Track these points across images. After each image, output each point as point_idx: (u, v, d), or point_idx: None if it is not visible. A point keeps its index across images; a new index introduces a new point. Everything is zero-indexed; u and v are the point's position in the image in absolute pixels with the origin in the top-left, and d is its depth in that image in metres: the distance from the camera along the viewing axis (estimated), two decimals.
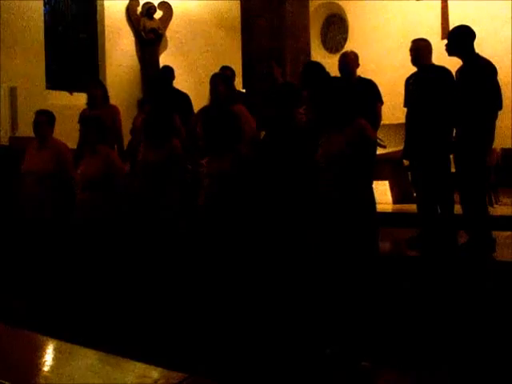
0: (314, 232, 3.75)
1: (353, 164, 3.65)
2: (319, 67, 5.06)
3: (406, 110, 4.99)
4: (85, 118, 5.37)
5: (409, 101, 4.92)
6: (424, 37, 5.03)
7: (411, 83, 4.92)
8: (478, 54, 4.53)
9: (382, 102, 5.55)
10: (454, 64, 4.65)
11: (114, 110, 6.02)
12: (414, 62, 4.88)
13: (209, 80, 5.58)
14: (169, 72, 6.59)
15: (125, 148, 6.06)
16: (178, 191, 4.70)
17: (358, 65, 5.63)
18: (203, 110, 5.52)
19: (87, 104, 6.04)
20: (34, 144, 5.32)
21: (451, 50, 4.59)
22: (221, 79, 5.55)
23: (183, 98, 6.40)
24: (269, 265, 3.88)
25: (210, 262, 4.12)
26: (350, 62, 5.55)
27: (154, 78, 7.88)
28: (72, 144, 5.65)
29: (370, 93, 5.41)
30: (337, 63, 5.60)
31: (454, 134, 4.70)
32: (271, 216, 3.94)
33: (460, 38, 4.53)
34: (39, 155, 5.18)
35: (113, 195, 4.69)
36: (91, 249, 4.58)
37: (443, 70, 4.73)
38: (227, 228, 4.09)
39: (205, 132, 4.36)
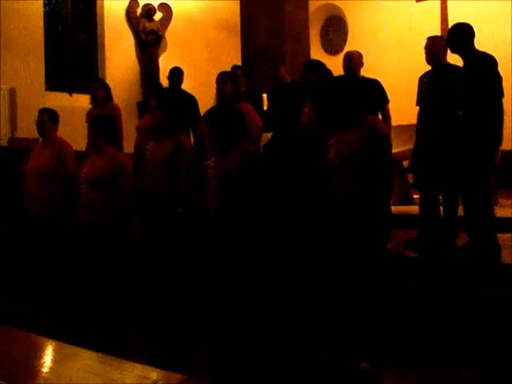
0: (327, 234, 3.66)
1: (369, 163, 3.54)
2: (320, 65, 5.01)
3: (409, 109, 4.89)
4: (93, 117, 5.27)
5: (423, 100, 4.78)
6: (423, 37, 4.99)
7: (425, 82, 4.77)
8: (477, 50, 4.39)
9: (387, 101, 5.48)
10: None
11: (113, 109, 6.07)
12: (429, 60, 4.73)
13: (208, 81, 5.57)
14: (178, 73, 6.59)
15: (123, 147, 6.05)
16: (187, 185, 4.64)
17: (361, 64, 5.59)
18: (209, 110, 5.48)
19: (91, 103, 6.13)
20: (39, 143, 5.34)
21: (451, 48, 4.51)
22: (227, 77, 5.52)
23: (190, 100, 6.38)
24: (275, 268, 3.83)
25: (216, 265, 4.09)
26: (354, 60, 5.52)
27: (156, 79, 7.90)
28: (73, 145, 5.63)
29: (374, 92, 5.37)
30: (336, 65, 5.58)
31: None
32: (281, 218, 3.85)
33: (459, 35, 4.39)
34: (41, 154, 5.17)
35: (119, 195, 4.62)
36: (94, 250, 4.55)
37: (459, 70, 4.50)
38: (236, 229, 4.03)
39: (210, 131, 4.32)
